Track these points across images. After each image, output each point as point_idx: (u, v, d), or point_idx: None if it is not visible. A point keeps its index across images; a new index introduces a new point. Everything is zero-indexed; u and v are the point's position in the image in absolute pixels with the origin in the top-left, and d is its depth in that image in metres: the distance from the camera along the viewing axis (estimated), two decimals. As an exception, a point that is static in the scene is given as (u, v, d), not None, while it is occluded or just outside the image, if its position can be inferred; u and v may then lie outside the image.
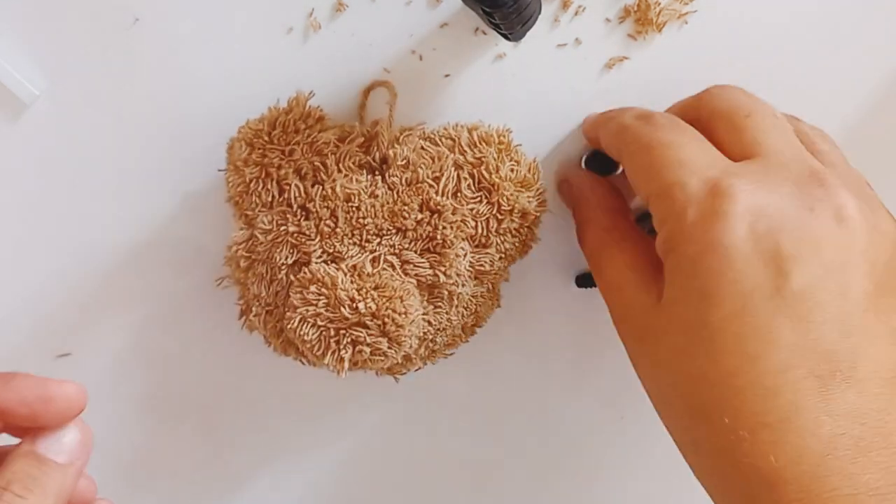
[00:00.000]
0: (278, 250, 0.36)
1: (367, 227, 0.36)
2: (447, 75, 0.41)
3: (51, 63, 0.40)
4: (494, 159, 0.36)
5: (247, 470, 0.44)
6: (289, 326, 0.35)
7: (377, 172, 0.37)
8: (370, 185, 0.36)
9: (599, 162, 0.40)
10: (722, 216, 0.28)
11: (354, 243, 0.36)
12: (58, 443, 0.30)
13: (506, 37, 0.38)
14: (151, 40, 0.40)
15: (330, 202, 0.36)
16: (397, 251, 0.36)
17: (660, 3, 0.40)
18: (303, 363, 0.38)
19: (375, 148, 0.37)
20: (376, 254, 0.36)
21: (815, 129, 0.36)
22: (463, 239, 0.36)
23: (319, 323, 0.35)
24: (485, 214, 0.36)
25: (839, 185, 0.30)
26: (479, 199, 0.36)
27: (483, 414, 0.44)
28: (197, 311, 0.42)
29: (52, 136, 0.41)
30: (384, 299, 0.35)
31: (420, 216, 0.36)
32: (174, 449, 0.43)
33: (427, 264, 0.36)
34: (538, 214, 0.38)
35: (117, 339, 0.42)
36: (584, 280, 0.42)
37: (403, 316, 0.35)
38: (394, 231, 0.36)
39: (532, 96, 0.41)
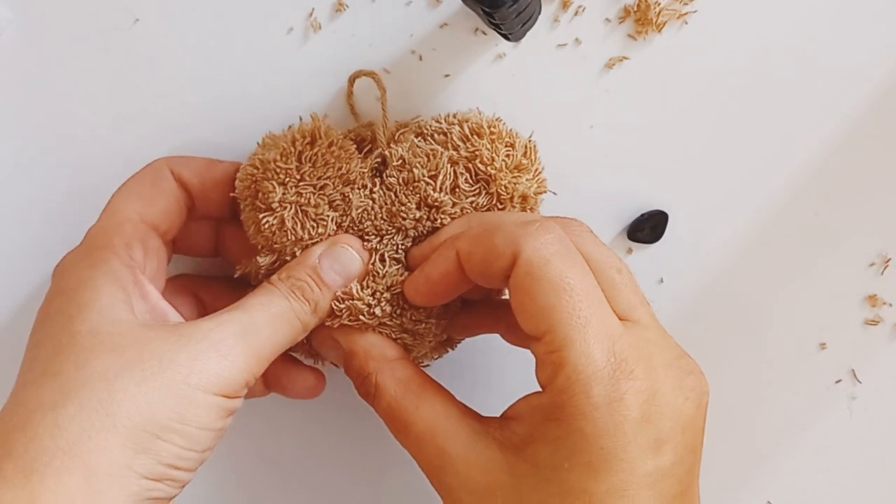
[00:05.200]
0: None
1: (366, 230, 0.36)
2: (447, 75, 0.41)
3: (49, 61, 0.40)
4: (488, 150, 0.36)
5: (247, 469, 0.44)
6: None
7: (376, 173, 0.37)
8: (369, 189, 0.36)
9: None
10: (625, 403, 0.29)
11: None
12: (339, 265, 0.35)
13: (506, 37, 0.38)
14: (151, 40, 0.40)
15: (344, 218, 0.36)
16: (401, 250, 0.36)
17: (660, 3, 0.40)
18: (336, 365, 0.38)
19: (375, 149, 0.37)
20: (380, 252, 0.36)
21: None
22: None
23: None
24: (485, 206, 0.36)
25: (702, 374, 0.32)
26: (477, 191, 0.36)
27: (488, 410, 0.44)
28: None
29: (51, 138, 0.41)
30: (399, 297, 0.35)
31: (419, 214, 0.36)
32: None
33: None
34: (538, 197, 0.37)
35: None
36: None
37: (420, 310, 0.36)
38: (394, 231, 0.36)
39: (532, 96, 0.41)
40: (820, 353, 0.43)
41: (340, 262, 0.35)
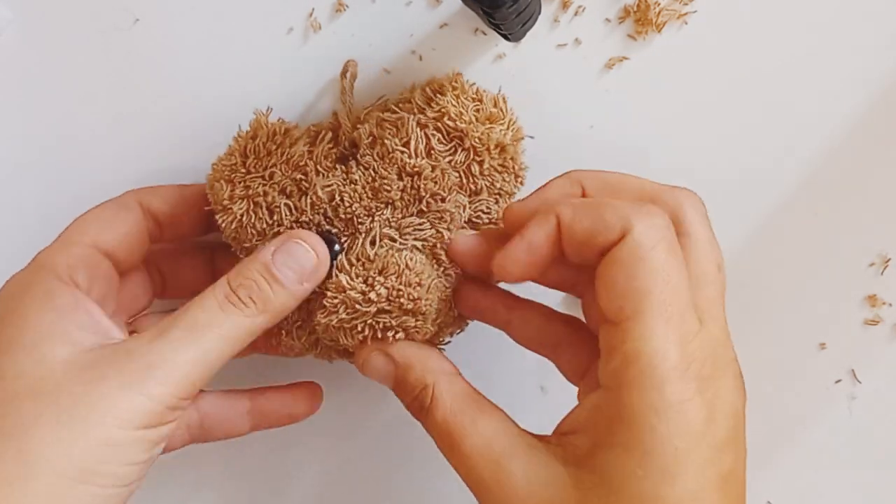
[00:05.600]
0: None
1: (356, 214, 0.36)
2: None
3: (48, 61, 0.40)
4: (455, 106, 0.36)
5: (249, 470, 0.44)
6: (324, 335, 0.36)
7: (350, 158, 0.37)
8: (345, 174, 0.36)
9: None
10: (695, 403, 0.29)
11: (350, 233, 0.36)
12: (293, 260, 0.34)
13: (506, 37, 0.38)
14: (151, 40, 0.40)
15: (318, 207, 0.36)
16: (393, 223, 0.36)
17: (660, 3, 0.40)
18: (351, 362, 0.38)
19: (343, 136, 0.37)
20: (373, 233, 0.36)
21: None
22: (451, 189, 0.36)
23: (346, 326, 0.35)
24: (464, 162, 0.36)
25: (742, 378, 0.32)
26: (452, 149, 0.36)
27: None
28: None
29: (51, 138, 0.41)
30: (392, 278, 0.35)
31: (401, 184, 0.36)
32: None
33: (427, 224, 0.36)
34: (517, 144, 0.37)
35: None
36: None
37: (417, 288, 0.35)
38: (383, 206, 0.36)
39: (532, 96, 0.41)
40: (820, 353, 0.43)
41: (294, 257, 0.34)
